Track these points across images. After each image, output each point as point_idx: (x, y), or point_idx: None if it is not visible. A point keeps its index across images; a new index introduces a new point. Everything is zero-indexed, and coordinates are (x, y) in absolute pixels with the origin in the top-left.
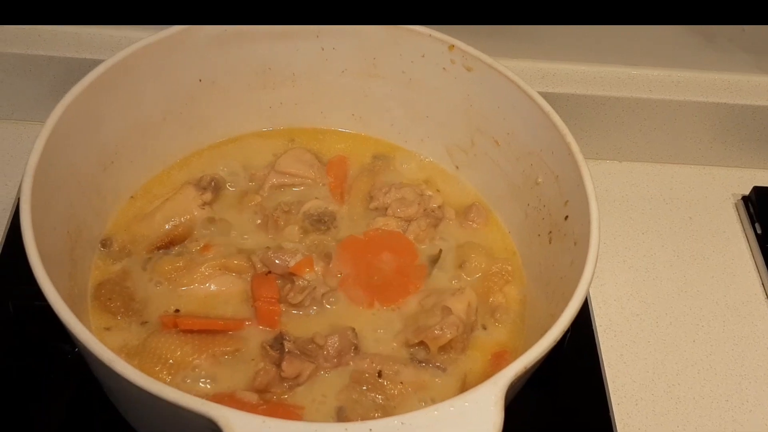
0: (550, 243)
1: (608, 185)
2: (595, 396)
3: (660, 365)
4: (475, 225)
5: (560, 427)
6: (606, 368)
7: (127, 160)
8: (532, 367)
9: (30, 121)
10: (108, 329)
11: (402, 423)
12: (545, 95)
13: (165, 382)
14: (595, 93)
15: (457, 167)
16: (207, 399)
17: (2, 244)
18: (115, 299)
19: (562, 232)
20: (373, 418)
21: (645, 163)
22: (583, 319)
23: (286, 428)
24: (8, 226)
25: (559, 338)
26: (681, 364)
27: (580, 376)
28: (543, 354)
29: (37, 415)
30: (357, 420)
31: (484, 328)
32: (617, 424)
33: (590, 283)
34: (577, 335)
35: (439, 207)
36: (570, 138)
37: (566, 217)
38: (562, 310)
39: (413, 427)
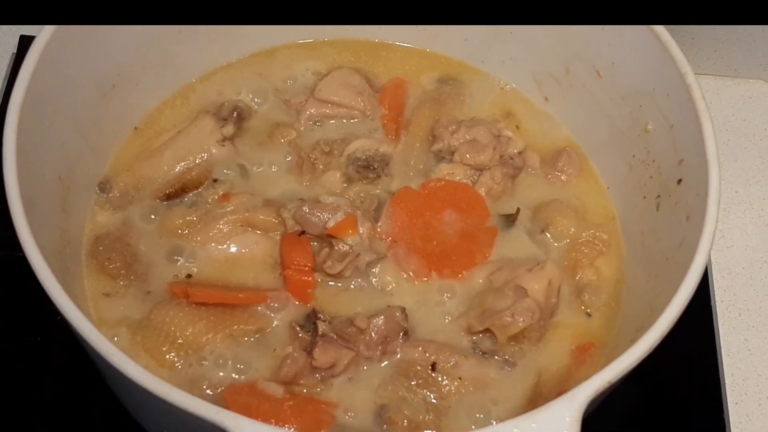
0: (657, 210)
1: (749, 112)
2: (707, 391)
3: None
4: (564, 177)
5: (660, 430)
6: (724, 356)
7: (131, 83)
8: (618, 381)
9: None
10: (107, 295)
11: None
12: None
13: (173, 365)
14: None
15: (547, 99)
16: (222, 389)
17: None
18: (114, 259)
19: (674, 199)
20: (423, 422)
21: None
22: (699, 291)
23: None
24: None
25: (655, 346)
26: None
27: (689, 364)
28: (633, 366)
29: (22, 387)
30: (401, 423)
31: (589, 314)
32: (732, 428)
33: (701, 275)
34: (690, 312)
35: (520, 153)
36: (691, 78)
37: (679, 181)
38: (663, 305)
39: None
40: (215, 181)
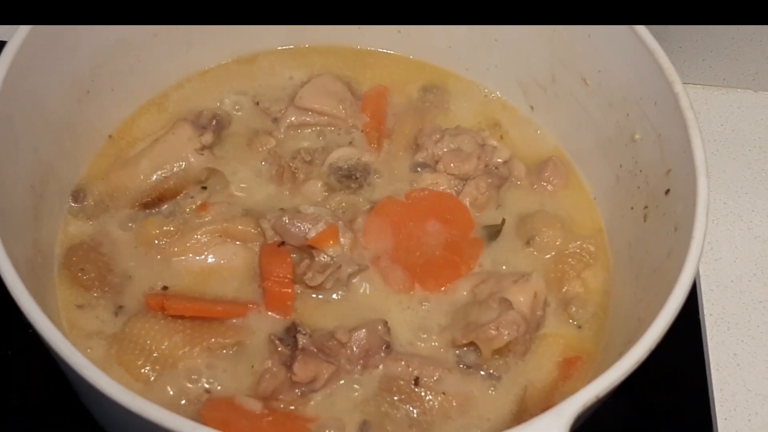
0: (645, 221)
1: (737, 122)
2: (695, 406)
3: None
4: (550, 187)
5: None
6: (713, 371)
7: (106, 88)
8: (605, 395)
9: None
10: (80, 307)
11: None
12: None
13: (148, 379)
14: None
15: (532, 108)
16: (199, 404)
17: None
18: (88, 270)
19: (661, 209)
20: None
21: None
22: (688, 304)
23: None
24: None
25: (643, 359)
26: None
27: (677, 379)
28: (620, 380)
29: None
30: None
31: (579, 327)
32: None
33: (689, 287)
34: (678, 325)
35: (505, 162)
36: (679, 87)
37: (667, 191)
38: (651, 318)
39: None
40: (194, 189)
